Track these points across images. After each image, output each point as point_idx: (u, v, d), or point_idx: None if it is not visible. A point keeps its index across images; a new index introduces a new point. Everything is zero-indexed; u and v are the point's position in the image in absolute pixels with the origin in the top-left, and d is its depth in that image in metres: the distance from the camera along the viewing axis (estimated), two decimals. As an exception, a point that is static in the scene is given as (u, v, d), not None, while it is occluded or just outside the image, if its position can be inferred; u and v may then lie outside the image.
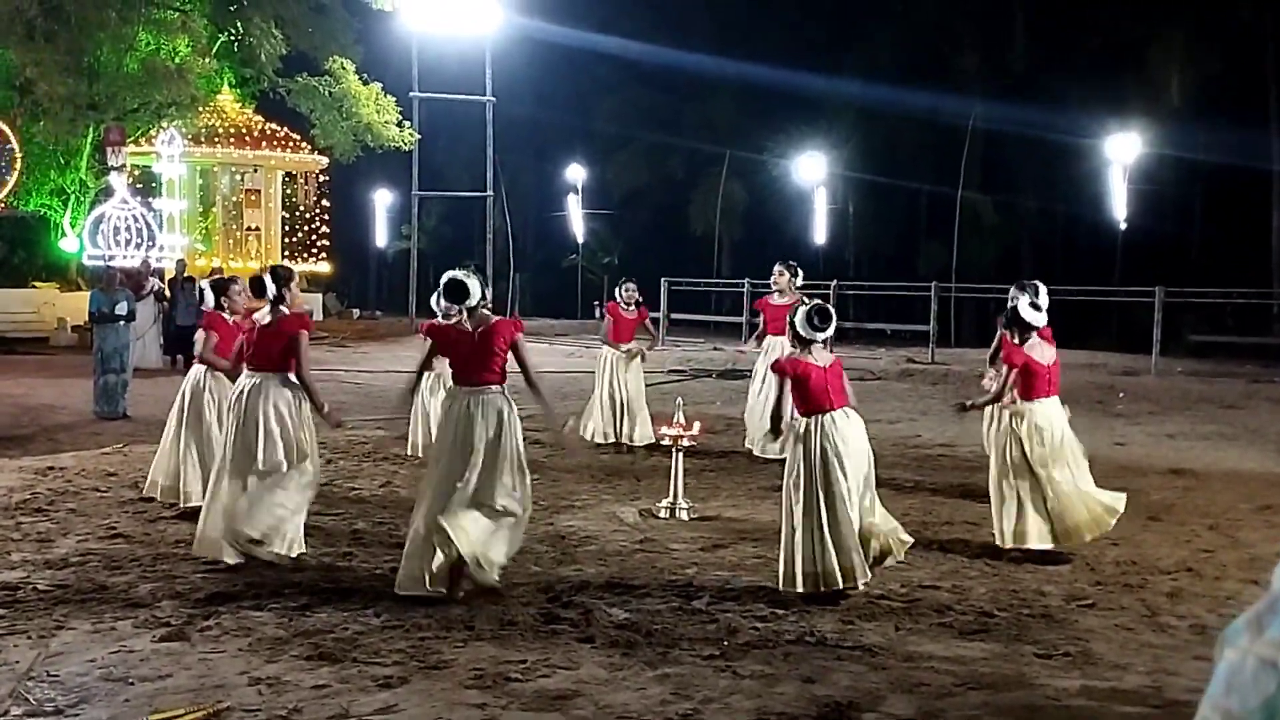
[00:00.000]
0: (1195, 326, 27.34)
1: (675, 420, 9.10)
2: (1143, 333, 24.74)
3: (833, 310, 7.02)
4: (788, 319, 7.10)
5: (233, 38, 30.56)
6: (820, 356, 6.87)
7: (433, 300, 11.09)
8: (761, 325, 12.24)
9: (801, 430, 6.80)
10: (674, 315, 29.30)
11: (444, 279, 6.95)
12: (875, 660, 5.64)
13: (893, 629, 6.16)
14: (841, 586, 6.58)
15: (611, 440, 12.18)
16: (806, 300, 7.34)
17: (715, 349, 26.18)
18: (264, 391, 7.37)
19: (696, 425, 9.31)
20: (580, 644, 5.81)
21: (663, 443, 9.33)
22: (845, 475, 6.65)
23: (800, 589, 6.60)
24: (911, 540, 6.99)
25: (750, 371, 12.72)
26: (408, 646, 5.70)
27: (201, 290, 9.44)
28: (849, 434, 6.76)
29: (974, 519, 8.84)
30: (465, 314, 6.90)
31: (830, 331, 6.92)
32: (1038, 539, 7.66)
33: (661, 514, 8.94)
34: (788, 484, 6.80)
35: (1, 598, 6.49)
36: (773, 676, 5.38)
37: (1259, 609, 1.00)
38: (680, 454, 9.08)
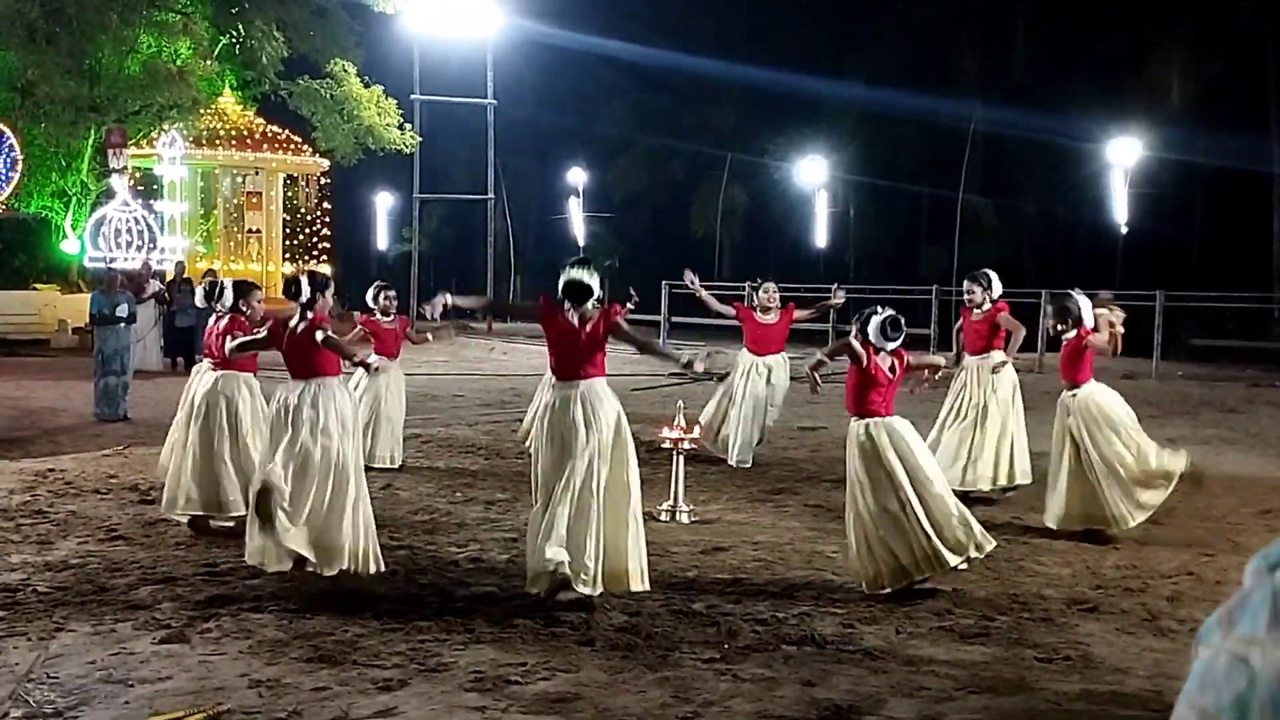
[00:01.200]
0: (1196, 330, 27.27)
1: (675, 423, 9.10)
2: (1143, 336, 24.68)
3: (903, 320, 7.09)
4: (856, 325, 7.06)
5: (234, 40, 30.55)
6: (886, 365, 6.95)
7: (369, 296, 11.37)
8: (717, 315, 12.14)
9: (863, 433, 6.91)
10: (674, 318, 29.25)
11: (565, 280, 6.66)
12: (876, 664, 5.63)
13: (893, 632, 6.16)
14: (895, 584, 6.76)
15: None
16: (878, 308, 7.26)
17: (717, 352, 26.15)
18: (314, 399, 7.08)
19: (697, 428, 9.30)
20: (580, 647, 5.80)
21: (663, 446, 9.33)
22: (909, 475, 6.79)
23: (868, 588, 6.83)
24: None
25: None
26: (407, 649, 5.70)
27: (222, 287, 9.08)
28: (910, 436, 6.95)
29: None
30: (574, 307, 6.68)
31: (901, 340, 7.02)
32: None
33: (662, 517, 8.93)
34: (855, 482, 6.92)
35: (1, 599, 6.49)
36: (773, 680, 5.37)
37: (1230, 606, 1.01)
38: (681, 457, 9.08)
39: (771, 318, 11.77)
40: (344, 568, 6.78)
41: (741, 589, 6.94)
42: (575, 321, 6.65)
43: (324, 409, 6.99)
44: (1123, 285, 32.79)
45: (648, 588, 6.56)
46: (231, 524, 8.19)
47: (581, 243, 45.69)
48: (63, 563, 7.34)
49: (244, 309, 8.89)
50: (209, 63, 30.44)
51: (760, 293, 12.04)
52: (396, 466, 10.95)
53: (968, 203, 40.44)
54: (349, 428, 7.10)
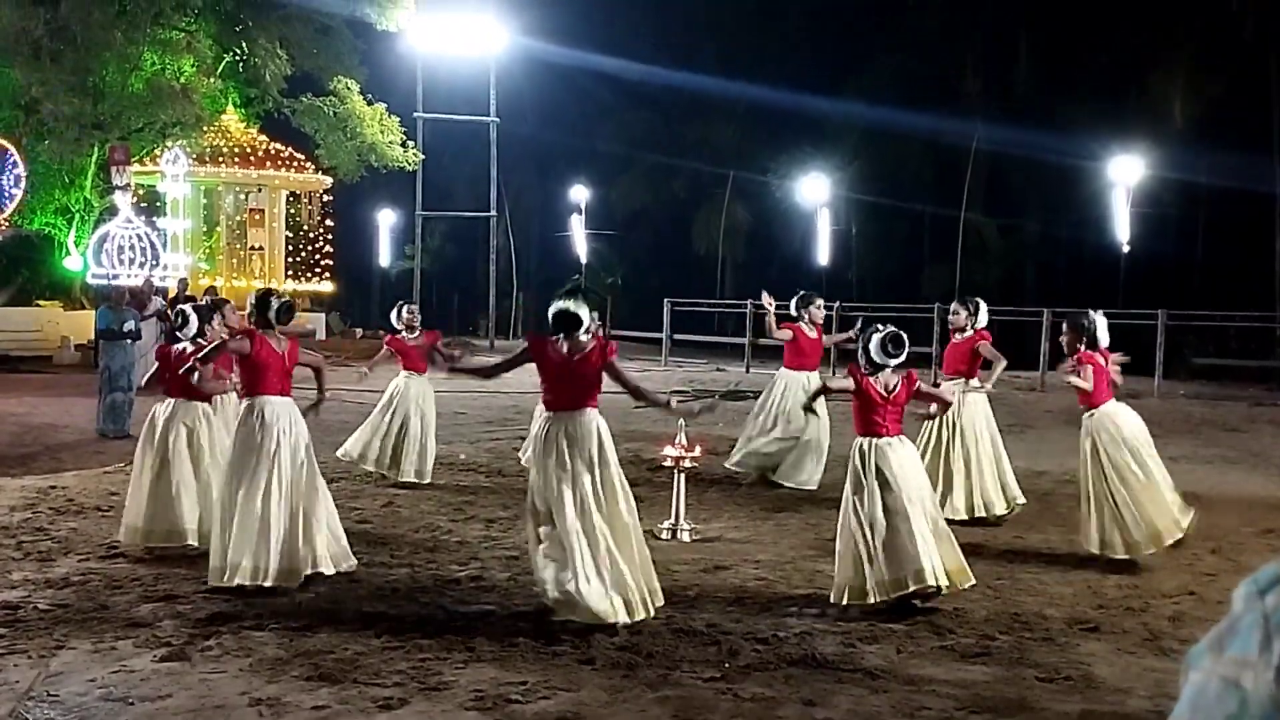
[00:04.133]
0: (1198, 349, 27.28)
1: (677, 441, 9.10)
2: (1145, 355, 24.69)
3: (905, 337, 7.12)
4: (860, 344, 7.16)
5: (238, 58, 30.66)
6: (888, 383, 6.97)
7: (392, 315, 11.47)
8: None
9: (856, 450, 7.03)
10: (676, 336, 29.26)
11: (554, 310, 6.70)
12: (876, 683, 5.62)
13: (894, 652, 6.15)
14: (882, 598, 6.72)
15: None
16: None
17: (718, 369, 26.18)
18: (277, 416, 7.42)
19: (698, 447, 9.31)
20: (581, 665, 5.80)
21: (664, 464, 9.34)
22: (899, 497, 6.79)
23: (843, 600, 6.82)
24: (942, 585, 6.81)
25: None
26: (408, 667, 5.69)
27: (186, 316, 8.61)
28: (903, 460, 6.94)
29: (977, 541, 8.82)
30: (564, 339, 6.67)
31: (903, 358, 7.06)
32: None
33: (663, 535, 8.93)
34: (846, 500, 6.99)
35: (2, 617, 6.49)
36: (774, 699, 5.36)
37: (1220, 630, 1.03)
38: (682, 475, 9.08)
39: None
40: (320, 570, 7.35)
41: (743, 608, 6.94)
42: (566, 352, 6.66)
43: (288, 424, 7.40)
44: (1125, 304, 32.80)
45: (649, 614, 6.53)
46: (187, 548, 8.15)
47: (584, 260, 45.72)
48: (64, 580, 7.34)
49: (217, 327, 8.61)
50: (212, 80, 30.55)
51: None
52: (424, 482, 11.00)
53: (970, 221, 40.47)
54: (303, 438, 7.51)
